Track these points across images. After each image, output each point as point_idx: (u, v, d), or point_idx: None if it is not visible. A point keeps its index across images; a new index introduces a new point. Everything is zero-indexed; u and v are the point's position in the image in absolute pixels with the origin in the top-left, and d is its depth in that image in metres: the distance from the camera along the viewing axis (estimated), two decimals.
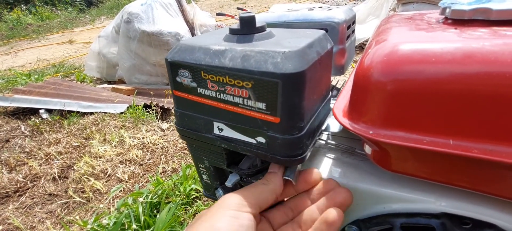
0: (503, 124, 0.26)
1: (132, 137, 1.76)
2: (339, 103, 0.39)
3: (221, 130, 0.40)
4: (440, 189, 0.36)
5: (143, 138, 1.74)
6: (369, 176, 0.40)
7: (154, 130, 1.86)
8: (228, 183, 0.47)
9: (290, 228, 0.35)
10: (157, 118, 2.05)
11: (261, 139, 0.36)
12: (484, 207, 0.33)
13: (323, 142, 0.48)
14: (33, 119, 2.11)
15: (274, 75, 0.31)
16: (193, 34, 3.06)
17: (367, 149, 0.37)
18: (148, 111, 2.12)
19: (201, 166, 0.50)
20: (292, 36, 0.38)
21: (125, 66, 2.82)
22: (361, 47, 3.23)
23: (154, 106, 2.18)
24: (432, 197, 0.36)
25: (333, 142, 0.47)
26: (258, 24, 0.38)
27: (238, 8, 4.12)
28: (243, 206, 0.31)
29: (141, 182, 1.37)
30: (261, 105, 0.34)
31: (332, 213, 0.33)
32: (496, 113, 0.26)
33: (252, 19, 0.37)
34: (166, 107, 2.22)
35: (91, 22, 7.55)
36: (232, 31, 0.38)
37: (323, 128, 0.44)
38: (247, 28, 0.37)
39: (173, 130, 1.86)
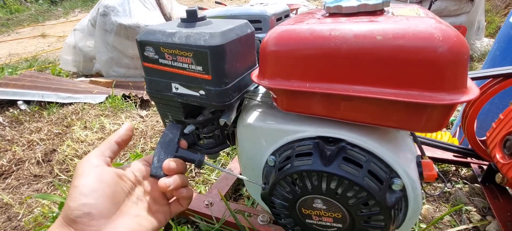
0: (337, 71, 0.46)
1: (112, 123, 1.89)
2: (255, 70, 0.58)
3: (177, 88, 0.58)
4: (318, 121, 0.56)
5: (122, 124, 1.87)
6: (277, 119, 0.59)
7: (134, 117, 1.99)
8: (186, 130, 0.65)
9: None
10: (136, 107, 2.18)
11: (202, 92, 0.55)
12: (339, 129, 0.53)
13: (256, 101, 0.67)
14: (11, 110, 2.16)
15: (204, 48, 0.49)
16: None
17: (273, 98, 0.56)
18: (127, 101, 2.24)
19: (167, 121, 0.68)
20: (224, 24, 0.57)
21: (103, 60, 2.89)
22: None
23: (133, 96, 2.29)
24: (313, 127, 0.56)
25: (261, 100, 0.66)
26: (201, 16, 0.56)
27: (216, 2, 4.25)
28: None
29: (122, 160, 1.51)
30: (199, 68, 0.52)
31: None
32: (333, 64, 0.46)
33: (194, 12, 0.55)
34: (145, 98, 2.34)
35: (65, 15, 7.32)
36: (182, 20, 0.56)
37: (251, 88, 0.63)
38: (191, 18, 0.55)
39: (152, 116, 2.00)
